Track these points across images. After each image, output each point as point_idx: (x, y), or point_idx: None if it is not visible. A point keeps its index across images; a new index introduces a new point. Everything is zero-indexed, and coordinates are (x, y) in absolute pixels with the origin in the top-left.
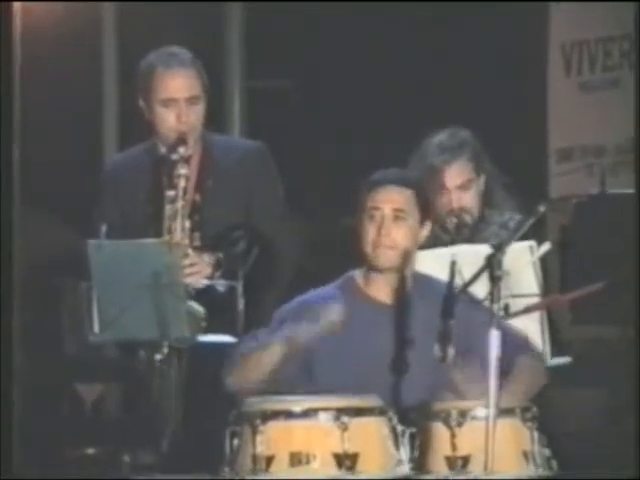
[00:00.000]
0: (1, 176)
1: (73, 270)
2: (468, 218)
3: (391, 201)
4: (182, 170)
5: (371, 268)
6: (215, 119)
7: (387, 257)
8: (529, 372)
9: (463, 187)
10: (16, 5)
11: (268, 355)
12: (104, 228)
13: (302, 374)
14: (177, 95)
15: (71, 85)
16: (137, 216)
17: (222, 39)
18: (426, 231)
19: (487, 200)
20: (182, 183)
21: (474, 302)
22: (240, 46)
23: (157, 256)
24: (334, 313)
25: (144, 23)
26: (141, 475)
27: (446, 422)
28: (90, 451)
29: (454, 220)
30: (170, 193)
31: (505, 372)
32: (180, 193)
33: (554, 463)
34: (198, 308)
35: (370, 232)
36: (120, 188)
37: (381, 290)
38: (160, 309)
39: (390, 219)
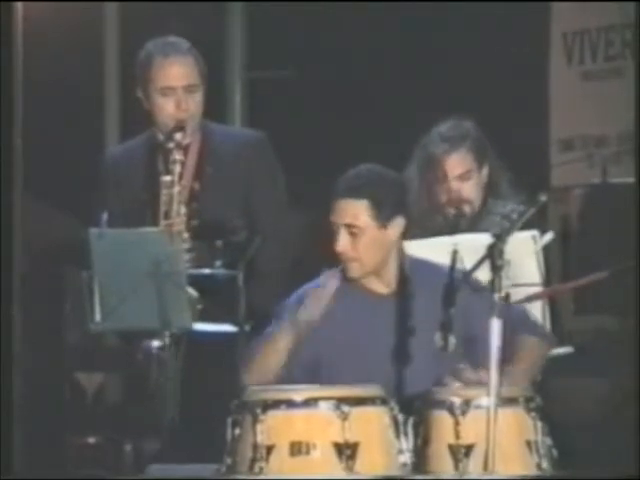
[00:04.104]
0: (2, 166)
1: (74, 259)
2: (467, 208)
3: (343, 216)
4: (177, 156)
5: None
6: (216, 109)
7: (353, 269)
8: (532, 351)
9: (463, 177)
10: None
11: (275, 346)
12: (105, 217)
13: (307, 374)
14: (175, 83)
15: (74, 76)
16: (135, 203)
17: (223, 30)
18: (398, 227)
19: (491, 192)
20: (177, 169)
21: (477, 290)
22: (241, 37)
23: (158, 245)
24: (330, 285)
25: (145, 15)
26: (142, 464)
27: (450, 410)
28: (91, 440)
29: (452, 210)
30: (166, 179)
31: (509, 350)
32: (176, 179)
33: (554, 452)
34: (192, 292)
35: (334, 246)
36: (119, 177)
37: (376, 281)
38: (161, 298)
39: (345, 234)
